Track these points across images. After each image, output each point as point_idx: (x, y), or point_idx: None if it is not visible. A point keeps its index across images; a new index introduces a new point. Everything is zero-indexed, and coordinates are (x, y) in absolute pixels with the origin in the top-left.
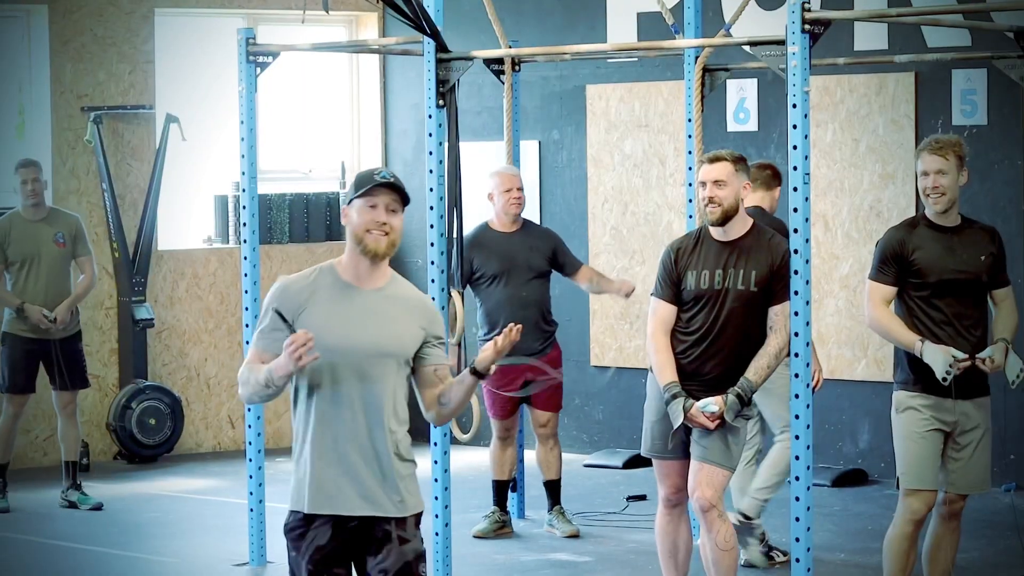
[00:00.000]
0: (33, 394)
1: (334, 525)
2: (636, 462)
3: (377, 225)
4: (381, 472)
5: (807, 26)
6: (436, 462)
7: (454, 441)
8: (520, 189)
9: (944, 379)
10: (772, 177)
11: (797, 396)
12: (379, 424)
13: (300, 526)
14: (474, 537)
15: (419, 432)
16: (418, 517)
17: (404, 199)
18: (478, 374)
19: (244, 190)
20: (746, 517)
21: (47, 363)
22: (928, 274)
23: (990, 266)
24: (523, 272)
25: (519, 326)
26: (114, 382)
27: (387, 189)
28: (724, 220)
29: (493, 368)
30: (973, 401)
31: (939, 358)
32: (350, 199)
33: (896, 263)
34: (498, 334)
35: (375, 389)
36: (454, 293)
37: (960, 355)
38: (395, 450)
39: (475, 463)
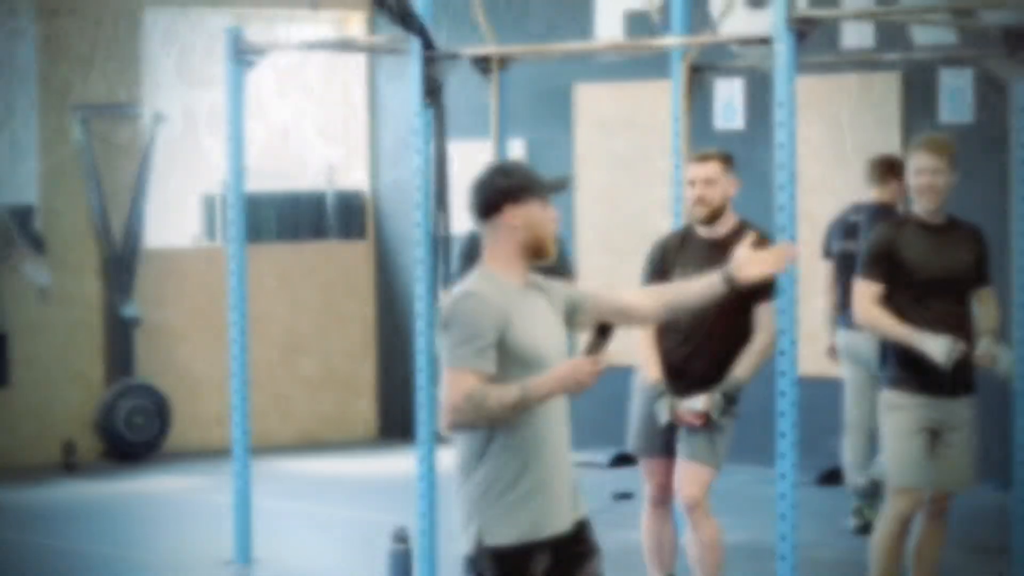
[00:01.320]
0: None
1: (552, 546)
2: (622, 460)
3: (555, 225)
4: (571, 474)
5: (793, 24)
6: (421, 460)
7: (439, 439)
8: None
9: (946, 364)
10: (884, 172)
11: (784, 394)
12: (568, 423)
13: (521, 555)
14: None
15: (402, 429)
16: None
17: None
18: (733, 283)
19: (231, 189)
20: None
21: None
22: (916, 272)
23: (976, 266)
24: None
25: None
26: (100, 381)
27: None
28: (712, 219)
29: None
30: (960, 400)
31: (940, 344)
32: (518, 198)
33: (886, 261)
34: None
35: None
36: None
37: (959, 342)
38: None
39: None
